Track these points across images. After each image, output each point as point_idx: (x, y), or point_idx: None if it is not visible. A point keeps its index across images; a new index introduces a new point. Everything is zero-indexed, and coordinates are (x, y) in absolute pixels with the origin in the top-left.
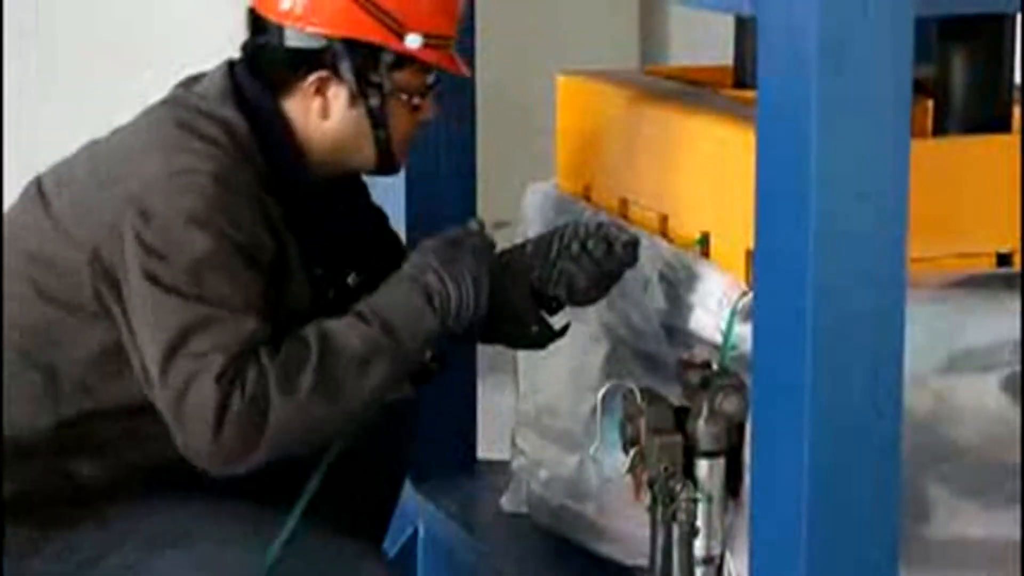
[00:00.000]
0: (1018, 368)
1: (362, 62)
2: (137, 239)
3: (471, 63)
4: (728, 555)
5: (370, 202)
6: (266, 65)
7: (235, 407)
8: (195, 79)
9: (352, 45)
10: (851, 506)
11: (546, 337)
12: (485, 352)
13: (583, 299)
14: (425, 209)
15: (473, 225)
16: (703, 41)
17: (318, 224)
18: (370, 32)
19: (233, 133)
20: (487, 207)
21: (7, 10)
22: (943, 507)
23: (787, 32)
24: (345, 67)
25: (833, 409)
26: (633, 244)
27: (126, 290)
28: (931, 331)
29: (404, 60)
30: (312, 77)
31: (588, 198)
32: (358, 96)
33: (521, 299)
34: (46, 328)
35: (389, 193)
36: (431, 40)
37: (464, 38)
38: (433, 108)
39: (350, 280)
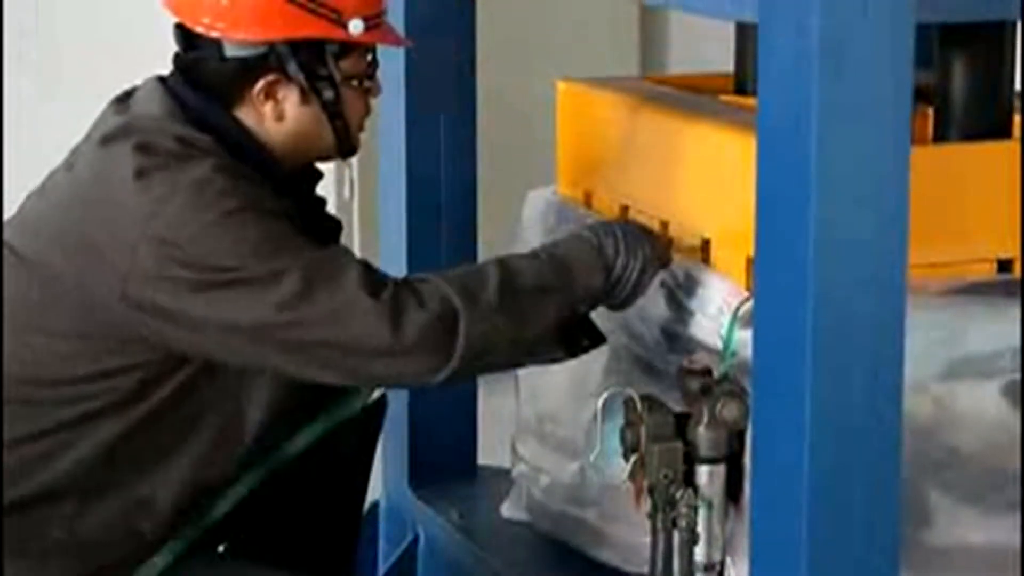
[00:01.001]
0: (1018, 375)
1: (308, 59)
2: (184, 266)
3: (471, 69)
4: (729, 562)
5: (330, 218)
6: (207, 79)
7: (415, 316)
8: (125, 99)
9: (295, 44)
10: (852, 512)
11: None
12: None
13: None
14: (425, 215)
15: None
16: (703, 48)
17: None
18: (312, 29)
19: (195, 145)
20: (487, 213)
21: (7, 10)
22: (944, 514)
23: (788, 39)
24: (292, 67)
25: (833, 415)
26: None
27: (187, 316)
28: (931, 338)
29: (348, 48)
30: (260, 83)
31: (589, 204)
32: (310, 92)
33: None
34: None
35: (390, 199)
36: (370, 22)
37: (464, 44)
38: (378, 85)
39: None
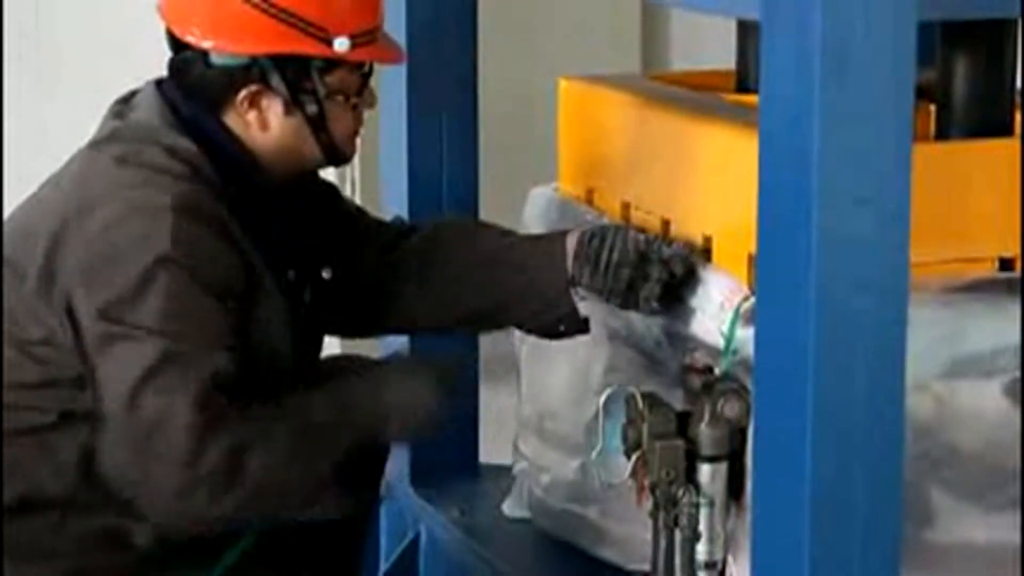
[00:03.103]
0: (1019, 373)
1: (292, 73)
2: (99, 279)
3: (473, 67)
4: (730, 560)
5: (321, 185)
6: (193, 83)
7: (212, 454)
8: (126, 102)
9: (279, 58)
10: (853, 510)
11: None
12: (487, 356)
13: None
14: (427, 214)
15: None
16: (704, 45)
17: (285, 228)
18: (296, 45)
19: (183, 158)
20: (489, 211)
21: (7, 10)
22: (945, 512)
23: (790, 36)
24: (275, 80)
25: (835, 414)
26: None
27: (86, 333)
28: (933, 336)
29: (335, 63)
30: (243, 93)
31: (590, 202)
32: (293, 106)
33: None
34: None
35: (392, 198)
36: (358, 39)
37: (465, 42)
38: (370, 99)
39: (325, 274)
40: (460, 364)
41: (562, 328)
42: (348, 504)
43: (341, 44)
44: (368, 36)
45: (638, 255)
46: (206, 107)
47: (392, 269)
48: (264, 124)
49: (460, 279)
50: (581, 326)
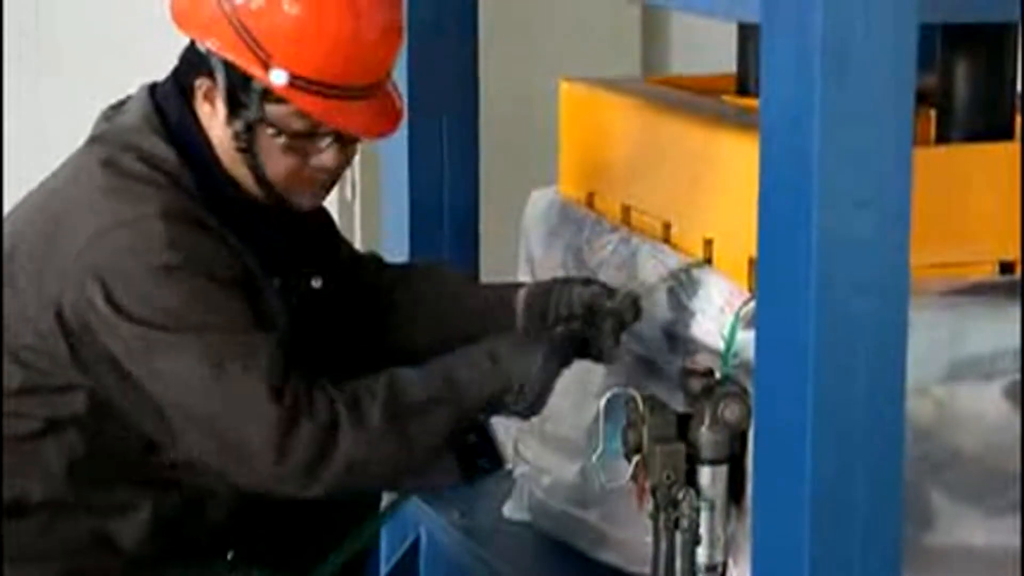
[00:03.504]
0: (1019, 376)
1: (235, 80)
2: (108, 301)
3: (474, 69)
4: (731, 563)
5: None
6: (179, 60)
7: (304, 430)
8: (120, 105)
9: (228, 62)
10: (853, 513)
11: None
12: None
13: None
14: (428, 216)
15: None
16: (705, 48)
17: (270, 235)
18: (236, 53)
19: (159, 166)
20: (490, 214)
21: (7, 10)
22: (945, 515)
23: (790, 39)
24: (220, 79)
25: (835, 416)
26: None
27: (115, 344)
28: (933, 339)
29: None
30: (198, 81)
31: (591, 205)
32: (230, 115)
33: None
34: None
35: (393, 200)
36: (305, 82)
37: (466, 44)
38: (335, 157)
39: (314, 283)
40: (571, 338)
41: None
42: (464, 473)
43: (277, 77)
44: (326, 89)
45: (585, 309)
46: (179, 90)
47: (371, 301)
48: (212, 125)
49: (421, 318)
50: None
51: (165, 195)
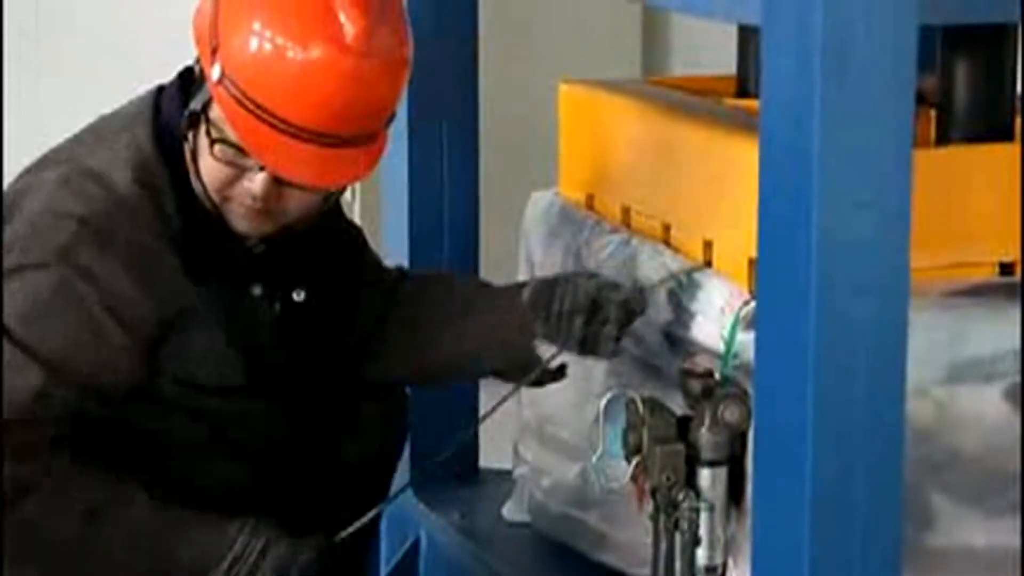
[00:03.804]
0: (1019, 378)
1: (198, 64)
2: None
3: (474, 71)
4: (730, 564)
5: (338, 217)
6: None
7: (15, 469)
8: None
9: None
10: (853, 515)
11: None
12: None
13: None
14: (428, 218)
15: (312, 547)
16: (705, 50)
17: (241, 241)
18: (199, 32)
19: (137, 159)
20: (490, 216)
21: (7, 10)
22: (946, 516)
23: (791, 41)
24: (195, 61)
25: (835, 417)
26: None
27: None
28: (933, 340)
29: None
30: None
31: (591, 206)
32: (187, 97)
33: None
34: None
35: (392, 203)
36: (239, 92)
37: (466, 47)
38: (262, 188)
39: (295, 296)
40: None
41: (536, 377)
42: None
43: (215, 72)
44: (269, 116)
45: (590, 302)
46: (186, 81)
47: (387, 313)
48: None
49: (434, 326)
50: (555, 375)
51: (106, 203)
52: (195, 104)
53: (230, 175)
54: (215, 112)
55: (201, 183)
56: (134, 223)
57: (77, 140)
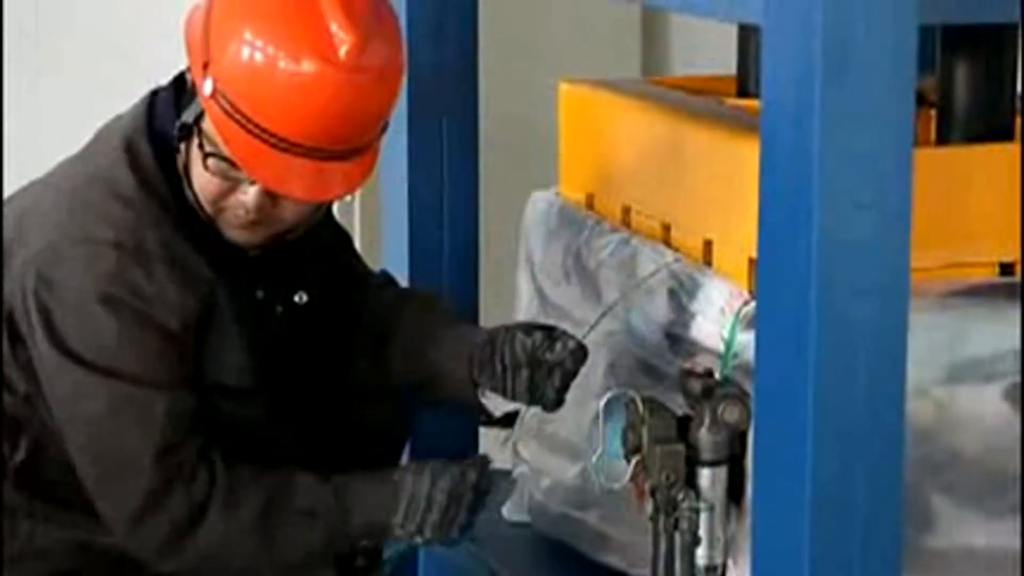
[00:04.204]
0: (1019, 378)
1: (191, 73)
2: (39, 307)
3: (473, 70)
4: (730, 564)
5: (329, 220)
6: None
7: (173, 502)
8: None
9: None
10: (853, 515)
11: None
12: None
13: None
14: (428, 218)
15: (477, 465)
16: (705, 50)
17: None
18: (192, 41)
19: (136, 166)
20: (489, 215)
21: (7, 10)
22: (946, 517)
23: (791, 41)
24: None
25: (835, 418)
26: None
27: (35, 355)
28: (933, 341)
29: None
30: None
31: (591, 206)
32: (181, 108)
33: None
34: None
35: (392, 203)
36: (230, 106)
37: (466, 45)
38: (256, 200)
39: (297, 299)
40: (476, 467)
41: (483, 420)
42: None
43: (207, 86)
44: (260, 130)
45: (529, 358)
46: (179, 87)
47: (374, 323)
48: None
49: (394, 346)
50: (494, 421)
51: (129, 217)
52: (187, 116)
53: (223, 188)
54: (207, 125)
55: (194, 193)
56: (157, 227)
57: (75, 158)
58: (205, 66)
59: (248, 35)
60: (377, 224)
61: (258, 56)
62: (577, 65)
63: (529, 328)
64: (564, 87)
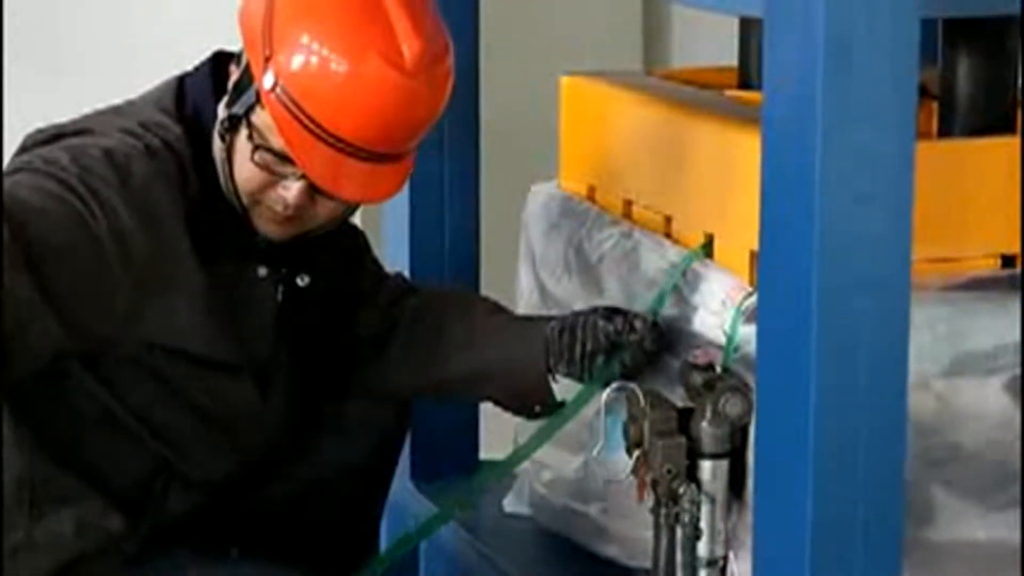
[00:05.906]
0: (1021, 371)
1: (246, 72)
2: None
3: (475, 64)
4: (731, 557)
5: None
6: (220, 54)
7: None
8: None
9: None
10: (854, 508)
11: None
12: None
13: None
14: (428, 211)
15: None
16: (706, 42)
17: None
18: (250, 37)
19: (160, 134)
20: (490, 208)
21: (7, 10)
22: (947, 511)
23: (793, 33)
24: (237, 65)
25: (836, 411)
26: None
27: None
28: (935, 334)
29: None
30: (231, 66)
31: (592, 199)
32: (229, 99)
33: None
34: None
35: (392, 200)
36: (291, 102)
37: (467, 39)
38: (299, 196)
39: (299, 281)
40: None
41: (537, 411)
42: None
43: (267, 80)
44: (316, 127)
45: (609, 343)
46: (214, 70)
47: (390, 326)
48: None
49: (444, 344)
50: (541, 412)
51: (134, 148)
52: (237, 108)
53: (265, 181)
54: (259, 118)
55: (233, 184)
56: (155, 178)
57: (100, 113)
58: (267, 60)
59: (314, 34)
60: (377, 221)
61: (324, 54)
62: (578, 57)
63: (608, 313)
64: (565, 80)
